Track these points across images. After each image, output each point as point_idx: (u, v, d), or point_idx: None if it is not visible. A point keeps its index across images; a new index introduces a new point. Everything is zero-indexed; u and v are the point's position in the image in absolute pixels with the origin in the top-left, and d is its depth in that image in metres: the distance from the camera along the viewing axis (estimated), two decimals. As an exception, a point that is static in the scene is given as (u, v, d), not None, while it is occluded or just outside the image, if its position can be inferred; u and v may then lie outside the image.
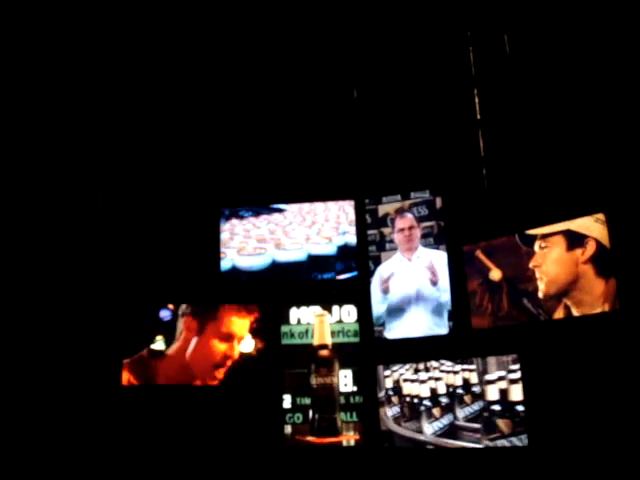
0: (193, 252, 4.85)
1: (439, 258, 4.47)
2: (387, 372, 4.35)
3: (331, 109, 5.08)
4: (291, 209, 4.85)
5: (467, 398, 4.08)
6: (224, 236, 4.82)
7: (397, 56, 4.99)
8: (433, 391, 4.20)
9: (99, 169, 4.96)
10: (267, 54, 5.17)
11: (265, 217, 4.86)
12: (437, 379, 4.21)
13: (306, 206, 4.84)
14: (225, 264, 4.76)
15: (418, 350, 4.35)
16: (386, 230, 4.65)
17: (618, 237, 3.72)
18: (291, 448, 4.36)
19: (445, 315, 4.37)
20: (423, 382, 4.24)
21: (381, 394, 4.36)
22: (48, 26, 4.93)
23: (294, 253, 4.73)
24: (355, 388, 4.43)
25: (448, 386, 4.16)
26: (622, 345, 3.71)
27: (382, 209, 4.69)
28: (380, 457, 4.27)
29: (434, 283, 4.44)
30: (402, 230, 4.57)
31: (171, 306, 4.56)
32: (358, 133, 5.01)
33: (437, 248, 4.49)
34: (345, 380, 4.42)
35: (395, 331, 4.50)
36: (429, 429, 4.17)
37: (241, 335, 4.54)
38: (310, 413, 4.24)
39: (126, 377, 4.48)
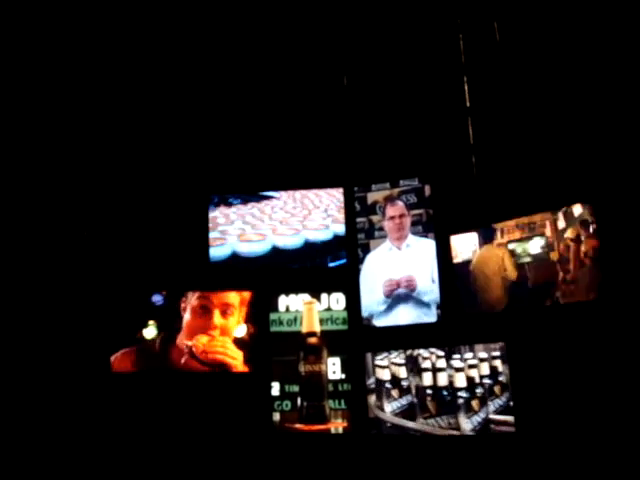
0: (182, 238, 4.83)
1: (427, 246, 4.47)
2: (378, 360, 4.36)
3: (321, 96, 5.05)
4: (281, 197, 4.84)
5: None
6: (220, 221, 4.80)
7: (387, 44, 4.96)
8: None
9: (87, 156, 4.92)
10: (256, 42, 5.13)
11: (254, 204, 4.84)
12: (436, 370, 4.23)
13: (295, 194, 4.83)
14: (225, 250, 4.73)
15: (407, 338, 4.36)
16: (375, 218, 4.64)
17: (605, 227, 3.73)
18: (280, 435, 4.37)
19: (433, 303, 4.38)
20: (425, 371, 4.25)
21: (369, 381, 4.36)
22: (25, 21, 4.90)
23: (292, 239, 4.71)
24: (343, 376, 4.43)
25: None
26: (608, 333, 3.74)
27: (371, 197, 4.68)
28: (368, 444, 4.28)
29: (412, 290, 4.44)
30: (393, 218, 4.56)
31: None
32: (347, 121, 4.99)
33: (425, 236, 4.49)
34: (333, 368, 4.42)
35: (384, 319, 4.50)
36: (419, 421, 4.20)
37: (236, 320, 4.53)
38: (298, 400, 4.28)
39: (118, 364, 4.47)
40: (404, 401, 4.22)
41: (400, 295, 4.48)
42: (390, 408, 4.24)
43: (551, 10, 4.31)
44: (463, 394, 4.07)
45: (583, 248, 3.79)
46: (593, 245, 3.74)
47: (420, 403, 4.18)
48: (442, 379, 4.16)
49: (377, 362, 4.35)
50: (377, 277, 4.56)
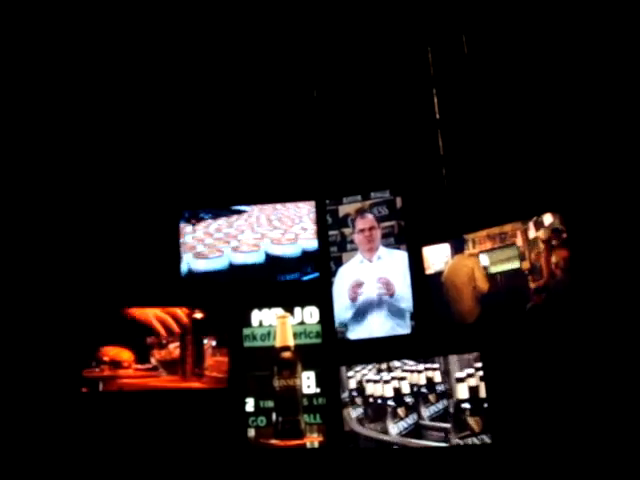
0: (153, 255, 4.78)
1: (400, 258, 4.47)
2: (350, 373, 4.34)
3: (291, 110, 5.05)
4: (252, 211, 4.81)
5: (432, 397, 4.09)
6: (185, 239, 4.77)
7: (356, 56, 4.99)
8: (397, 391, 4.21)
9: (56, 172, 4.87)
10: (226, 54, 5.12)
11: (225, 219, 4.82)
12: (400, 379, 4.22)
13: (267, 207, 4.81)
14: (182, 267, 4.70)
15: (381, 350, 4.35)
16: (347, 231, 4.64)
17: (575, 236, 3.76)
18: (255, 451, 4.33)
19: (407, 315, 4.38)
20: (387, 382, 4.24)
21: (344, 395, 4.34)
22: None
23: (251, 255, 4.68)
24: (318, 390, 4.41)
25: (412, 385, 4.18)
26: (580, 341, 3.77)
27: (342, 209, 4.68)
28: (344, 458, 4.26)
29: (390, 295, 4.44)
30: (362, 231, 4.56)
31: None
32: (318, 134, 4.99)
33: (398, 248, 4.49)
34: (308, 382, 4.40)
35: (357, 332, 4.49)
36: (394, 429, 4.18)
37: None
38: (273, 416, 4.24)
39: (87, 384, 4.41)
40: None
41: (373, 302, 4.47)
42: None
43: (518, 23, 4.36)
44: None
45: (554, 258, 3.81)
46: (564, 254, 3.77)
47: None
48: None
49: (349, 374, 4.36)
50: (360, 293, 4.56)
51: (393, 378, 4.23)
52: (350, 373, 4.35)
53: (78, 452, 4.32)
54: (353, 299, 4.52)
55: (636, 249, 3.66)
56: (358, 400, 4.31)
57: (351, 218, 4.63)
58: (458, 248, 4.25)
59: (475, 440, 3.91)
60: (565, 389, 3.82)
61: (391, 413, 4.20)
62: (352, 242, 4.61)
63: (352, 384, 4.33)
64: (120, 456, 4.32)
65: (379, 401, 4.25)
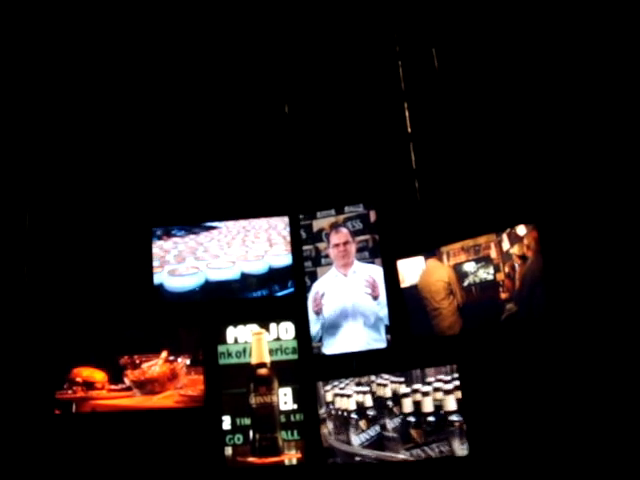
0: (125, 274, 4.74)
1: (375, 272, 4.47)
2: (327, 387, 4.32)
3: (262, 125, 5.05)
4: (225, 227, 4.79)
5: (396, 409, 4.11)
6: (157, 254, 4.73)
7: (327, 71, 5.00)
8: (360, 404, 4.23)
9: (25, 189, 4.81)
10: (197, 69, 5.11)
11: (197, 236, 4.78)
12: (365, 392, 4.22)
13: (239, 224, 4.78)
14: (155, 283, 4.66)
15: (358, 365, 4.35)
16: (321, 245, 4.63)
17: (548, 248, 3.80)
18: (232, 470, 4.29)
19: (382, 329, 4.37)
20: (349, 396, 4.25)
21: (322, 411, 4.32)
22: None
23: (227, 272, 4.66)
24: (295, 406, 4.38)
25: (382, 398, 4.17)
26: (556, 351, 3.80)
27: (317, 224, 4.67)
28: (323, 475, 4.23)
29: (375, 297, 4.44)
30: (337, 245, 4.56)
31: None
32: (290, 149, 4.99)
33: (372, 262, 4.49)
34: (285, 398, 4.37)
35: (333, 347, 4.48)
36: (357, 441, 4.19)
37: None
38: (250, 433, 4.21)
39: (60, 406, 4.34)
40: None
41: (347, 312, 4.47)
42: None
43: (488, 37, 4.40)
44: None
45: (527, 268, 3.84)
46: (538, 264, 3.80)
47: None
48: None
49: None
50: (325, 304, 4.54)
51: (358, 392, 4.22)
52: (327, 388, 4.32)
53: (53, 476, 4.25)
54: (317, 312, 4.53)
55: (609, 258, 3.71)
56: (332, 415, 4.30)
57: (325, 233, 4.62)
58: (432, 259, 4.27)
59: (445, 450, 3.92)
60: (541, 400, 3.85)
61: (354, 425, 4.20)
62: (327, 257, 4.60)
63: (329, 399, 4.31)
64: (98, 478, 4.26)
65: (344, 414, 4.25)
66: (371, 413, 4.16)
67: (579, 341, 3.73)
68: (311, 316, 4.55)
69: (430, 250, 4.29)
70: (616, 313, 3.63)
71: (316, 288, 4.58)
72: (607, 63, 3.88)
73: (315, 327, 4.53)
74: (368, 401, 4.18)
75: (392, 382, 4.12)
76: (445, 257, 4.21)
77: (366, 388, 4.20)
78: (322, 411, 4.31)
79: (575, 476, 3.62)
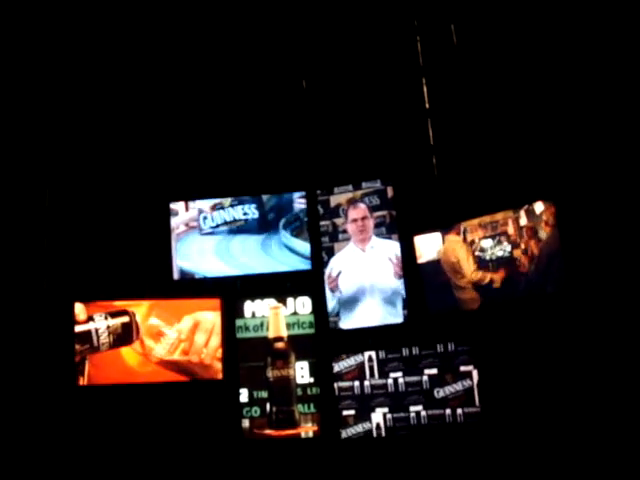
0: (144, 248, 4.78)
1: (392, 248, 4.48)
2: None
3: (280, 101, 5.05)
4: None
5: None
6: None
7: (345, 47, 4.99)
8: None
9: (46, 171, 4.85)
10: (216, 46, 5.10)
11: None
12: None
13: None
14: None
15: (374, 339, 4.38)
16: (339, 221, 4.64)
17: (566, 225, 3.80)
18: (250, 442, 4.35)
19: (399, 304, 4.40)
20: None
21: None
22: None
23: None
24: (312, 379, 4.42)
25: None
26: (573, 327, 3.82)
27: (334, 200, 4.68)
28: (339, 447, 4.28)
29: (399, 276, 4.45)
30: (355, 220, 4.57)
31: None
32: (308, 124, 4.99)
33: (389, 237, 4.51)
34: (301, 372, 4.41)
35: (350, 321, 4.51)
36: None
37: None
38: (267, 406, 4.26)
39: (81, 377, 4.39)
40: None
41: (364, 289, 4.50)
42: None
43: (507, 13, 4.38)
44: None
45: (545, 244, 3.85)
46: (555, 241, 3.81)
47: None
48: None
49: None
50: (343, 279, 4.57)
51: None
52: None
53: (71, 448, 4.32)
54: (332, 289, 4.56)
55: (626, 236, 3.71)
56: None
57: (343, 208, 4.63)
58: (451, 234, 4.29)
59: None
60: (555, 383, 3.89)
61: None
62: (344, 232, 4.61)
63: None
64: (115, 450, 4.32)
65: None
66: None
67: (595, 317, 3.75)
68: (327, 293, 4.58)
69: (449, 226, 4.30)
70: (633, 289, 3.64)
71: (332, 265, 4.60)
72: (627, 41, 3.86)
73: (332, 303, 4.56)
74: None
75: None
76: (462, 233, 4.22)
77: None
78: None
79: (584, 447, 3.66)
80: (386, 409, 4.24)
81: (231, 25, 5.10)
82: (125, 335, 4.44)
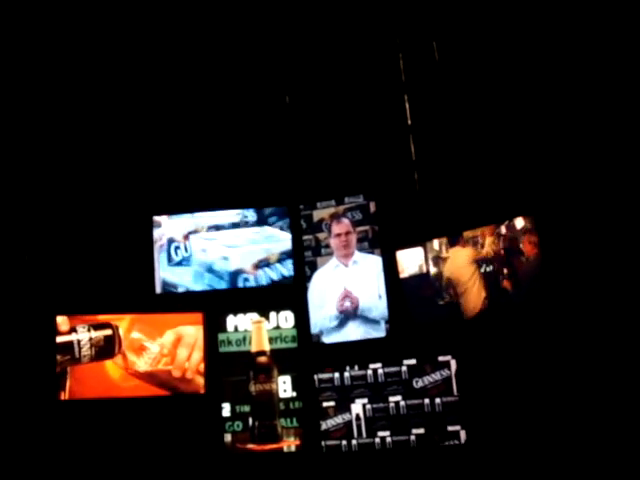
0: (125, 262, 4.76)
1: (374, 262, 4.51)
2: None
3: (263, 115, 5.07)
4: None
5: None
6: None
7: (328, 62, 5.02)
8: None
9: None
10: (197, 60, 5.12)
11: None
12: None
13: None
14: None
15: (357, 353, 4.40)
16: (321, 235, 4.67)
17: (546, 240, 3.86)
18: (232, 456, 4.34)
19: (381, 318, 4.43)
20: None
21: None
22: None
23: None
24: (294, 394, 4.44)
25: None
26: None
27: (317, 214, 4.70)
28: (321, 461, 4.29)
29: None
30: (339, 235, 4.60)
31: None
32: (291, 139, 5.02)
33: (372, 252, 4.54)
34: (284, 386, 4.42)
35: (333, 336, 4.53)
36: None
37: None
38: (250, 420, 4.24)
39: (63, 392, 4.36)
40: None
41: (349, 311, 4.51)
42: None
43: (488, 30, 4.45)
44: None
45: (525, 260, 3.91)
46: (535, 256, 3.86)
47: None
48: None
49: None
50: (325, 294, 4.59)
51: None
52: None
53: (52, 463, 4.29)
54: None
55: (606, 251, 3.78)
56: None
57: (326, 223, 4.65)
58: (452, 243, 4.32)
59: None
60: (538, 391, 3.93)
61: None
62: (327, 247, 4.64)
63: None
64: (97, 465, 4.30)
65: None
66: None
67: (574, 332, 3.82)
68: (330, 311, 4.56)
69: (426, 240, 4.36)
70: (613, 303, 3.70)
71: (327, 280, 4.61)
72: (602, 58, 3.94)
73: (332, 324, 4.56)
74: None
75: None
76: (443, 248, 4.26)
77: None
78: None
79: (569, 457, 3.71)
80: (365, 400, 4.29)
81: (214, 40, 5.11)
82: (107, 348, 4.41)
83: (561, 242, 3.90)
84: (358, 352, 4.41)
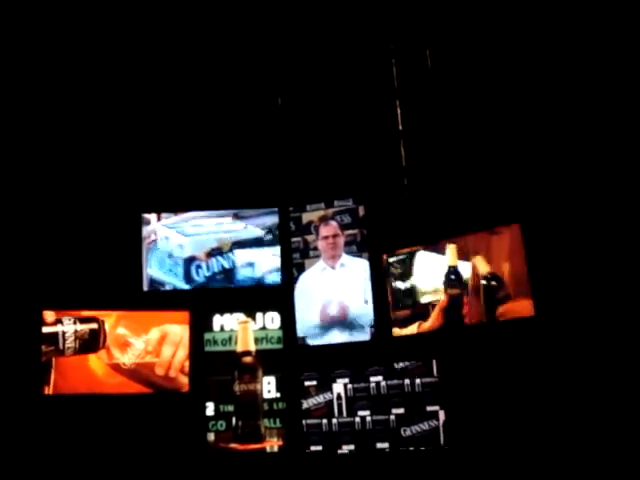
0: (115, 259, 4.76)
1: (362, 266, 4.54)
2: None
3: (255, 117, 5.09)
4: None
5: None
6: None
7: (321, 67, 5.06)
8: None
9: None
10: (190, 61, 5.13)
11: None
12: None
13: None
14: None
15: (341, 356, 4.42)
16: (310, 238, 4.69)
17: (533, 248, 3.89)
18: (214, 455, 4.34)
19: (367, 322, 4.45)
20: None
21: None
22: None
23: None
24: (278, 394, 4.44)
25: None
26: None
27: (306, 217, 4.72)
28: (304, 462, 4.30)
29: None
30: (326, 238, 4.62)
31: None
32: (282, 141, 5.04)
33: (360, 256, 4.56)
34: (268, 387, 4.43)
35: (318, 339, 4.54)
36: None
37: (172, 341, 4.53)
38: (233, 420, 4.26)
39: (47, 387, 4.35)
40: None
41: (334, 320, 4.53)
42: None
43: (480, 38, 4.49)
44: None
45: (512, 266, 3.94)
46: (522, 263, 3.89)
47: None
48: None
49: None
50: (311, 297, 4.61)
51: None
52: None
53: (34, 459, 4.28)
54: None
55: (594, 259, 3.82)
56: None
57: (315, 225, 4.68)
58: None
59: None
60: (508, 401, 3.99)
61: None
62: (315, 249, 4.66)
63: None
64: (80, 463, 4.29)
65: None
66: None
67: (563, 338, 3.85)
68: (313, 319, 4.57)
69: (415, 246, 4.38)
70: (601, 310, 3.74)
71: (314, 283, 4.63)
72: (590, 72, 3.99)
73: (314, 331, 4.57)
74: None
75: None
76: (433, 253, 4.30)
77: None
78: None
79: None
80: (347, 379, 4.31)
81: (207, 43, 5.14)
82: (92, 342, 4.41)
83: (548, 250, 3.93)
84: (344, 354, 4.42)
